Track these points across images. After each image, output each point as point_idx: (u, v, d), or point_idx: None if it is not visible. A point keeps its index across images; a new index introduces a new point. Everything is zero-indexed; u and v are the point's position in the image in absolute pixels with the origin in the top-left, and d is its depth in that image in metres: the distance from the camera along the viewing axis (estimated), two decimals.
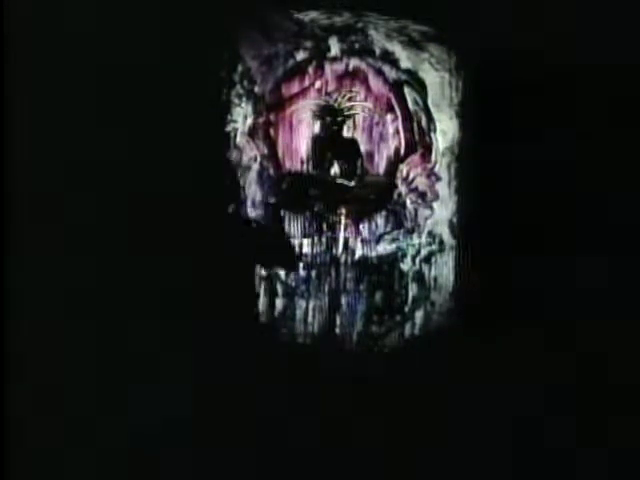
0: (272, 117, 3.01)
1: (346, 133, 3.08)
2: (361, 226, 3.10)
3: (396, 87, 3.10)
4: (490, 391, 2.77)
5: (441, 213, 3.15)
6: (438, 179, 3.14)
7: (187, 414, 2.42)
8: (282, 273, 2.88)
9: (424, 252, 3.09)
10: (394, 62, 3.06)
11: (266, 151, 3.01)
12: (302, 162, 3.09)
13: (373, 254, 3.03)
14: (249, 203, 2.91)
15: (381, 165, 3.15)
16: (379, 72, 3.06)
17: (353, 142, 3.11)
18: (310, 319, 2.93)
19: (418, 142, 3.13)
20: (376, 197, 3.15)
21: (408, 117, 3.11)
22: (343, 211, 3.10)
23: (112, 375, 2.52)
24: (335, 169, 3.14)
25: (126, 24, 2.54)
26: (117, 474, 2.44)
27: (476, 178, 3.03)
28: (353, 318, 2.99)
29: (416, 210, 3.17)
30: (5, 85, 2.44)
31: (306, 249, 3.06)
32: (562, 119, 2.90)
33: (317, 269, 3.01)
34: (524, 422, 2.72)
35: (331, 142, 3.10)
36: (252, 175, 2.98)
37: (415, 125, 3.12)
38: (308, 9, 2.88)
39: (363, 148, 3.10)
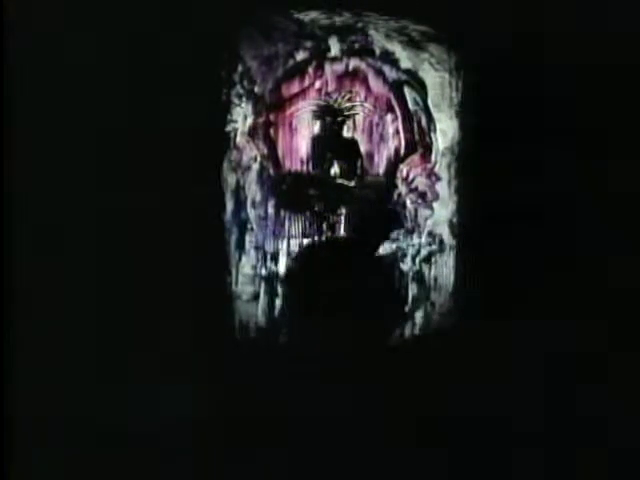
0: (272, 117, 3.01)
1: (346, 133, 3.09)
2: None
3: (396, 87, 3.10)
4: (490, 391, 2.77)
5: (441, 213, 3.16)
6: (438, 179, 3.15)
7: (188, 414, 2.42)
8: (282, 273, 2.87)
9: (424, 252, 3.10)
10: (394, 62, 3.06)
11: (266, 151, 3.02)
12: (302, 162, 3.10)
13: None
14: (249, 203, 2.92)
15: (381, 165, 3.15)
16: (379, 72, 3.06)
17: (353, 142, 3.12)
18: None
19: (418, 142, 3.13)
20: (376, 197, 3.16)
21: (408, 117, 3.12)
22: (343, 211, 3.12)
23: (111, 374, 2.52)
24: (335, 169, 3.14)
25: (127, 23, 2.54)
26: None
27: (476, 178, 3.04)
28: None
29: (416, 210, 3.17)
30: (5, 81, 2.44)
31: None
32: (562, 119, 2.90)
33: None
34: (523, 421, 2.72)
35: (331, 142, 3.11)
36: (252, 175, 2.98)
37: (415, 125, 3.12)
38: (308, 9, 2.90)
39: (363, 148, 3.11)
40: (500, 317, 2.84)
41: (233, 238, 2.81)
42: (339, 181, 3.02)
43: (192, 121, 2.62)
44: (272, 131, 2.92)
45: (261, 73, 2.86)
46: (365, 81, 3.00)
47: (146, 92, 2.56)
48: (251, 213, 2.87)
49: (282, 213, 2.89)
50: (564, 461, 2.63)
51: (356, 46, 2.97)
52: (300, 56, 2.92)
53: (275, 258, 2.88)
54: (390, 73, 3.02)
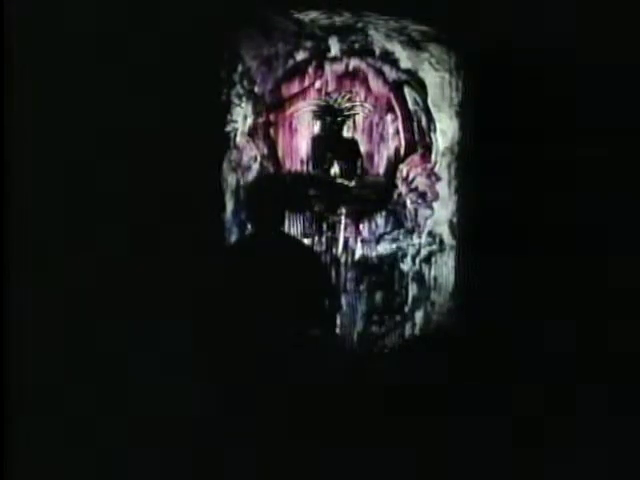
0: (272, 117, 3.00)
1: (346, 133, 3.09)
2: (361, 226, 3.10)
3: (396, 87, 3.11)
4: (490, 391, 2.77)
5: (441, 213, 3.16)
6: (438, 179, 3.15)
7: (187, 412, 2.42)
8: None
9: (424, 252, 3.10)
10: (394, 62, 3.06)
11: (266, 151, 3.01)
12: (302, 162, 3.10)
13: (373, 254, 3.04)
14: None
15: (381, 165, 3.15)
16: (379, 72, 3.06)
17: (353, 142, 3.12)
18: None
19: (418, 142, 3.13)
20: (376, 197, 3.16)
21: (408, 117, 3.11)
22: (343, 211, 3.11)
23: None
24: (335, 169, 3.14)
25: (127, 23, 2.54)
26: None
27: (476, 178, 3.04)
28: (353, 318, 2.99)
29: (416, 210, 3.17)
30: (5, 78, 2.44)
31: None
32: (562, 119, 2.90)
33: None
34: (524, 422, 2.72)
35: (331, 142, 3.11)
36: (252, 175, 2.98)
37: (415, 125, 3.12)
38: (308, 9, 2.90)
39: (363, 148, 3.11)
40: (500, 317, 2.84)
41: (233, 238, 2.81)
42: (339, 181, 3.02)
43: (192, 121, 2.62)
44: (272, 131, 2.92)
45: (261, 73, 2.87)
46: (365, 81, 3.00)
47: (146, 92, 2.55)
48: None
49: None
50: (564, 460, 2.62)
51: (356, 46, 2.97)
52: (300, 56, 2.92)
53: None
54: (390, 73, 3.02)
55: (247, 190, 2.69)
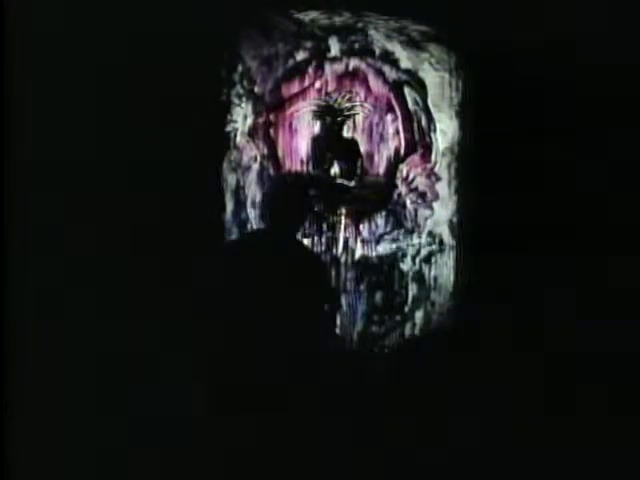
0: (272, 117, 3.01)
1: (346, 133, 3.09)
2: (361, 226, 3.11)
3: (396, 87, 3.11)
4: (490, 391, 2.77)
5: (441, 213, 3.16)
6: (438, 179, 3.15)
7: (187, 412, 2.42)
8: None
9: (424, 252, 3.10)
10: (394, 62, 3.06)
11: (266, 151, 3.02)
12: (302, 162, 3.11)
13: (373, 254, 3.04)
14: (249, 203, 2.92)
15: (381, 165, 3.16)
16: (379, 72, 3.06)
17: (353, 142, 3.12)
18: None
19: (418, 142, 3.14)
20: (376, 197, 3.16)
21: (408, 117, 3.11)
22: (343, 211, 3.12)
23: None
24: (335, 169, 3.14)
25: (127, 24, 2.54)
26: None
27: (476, 178, 3.04)
28: (353, 318, 2.99)
29: (416, 210, 3.18)
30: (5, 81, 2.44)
31: None
32: (561, 119, 2.90)
33: None
34: (523, 422, 2.72)
35: (331, 142, 3.11)
36: (252, 175, 2.98)
37: (415, 125, 3.12)
38: (308, 9, 2.90)
39: (363, 148, 3.11)
40: (500, 317, 2.84)
41: (233, 238, 2.81)
42: (339, 181, 3.02)
43: (192, 121, 2.62)
44: (272, 131, 2.92)
45: (261, 73, 2.87)
46: (365, 81, 3.00)
47: (146, 92, 2.55)
48: (251, 213, 2.87)
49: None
50: (563, 460, 2.62)
51: (356, 46, 2.97)
52: (300, 56, 2.92)
53: None
54: (390, 73, 3.02)
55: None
